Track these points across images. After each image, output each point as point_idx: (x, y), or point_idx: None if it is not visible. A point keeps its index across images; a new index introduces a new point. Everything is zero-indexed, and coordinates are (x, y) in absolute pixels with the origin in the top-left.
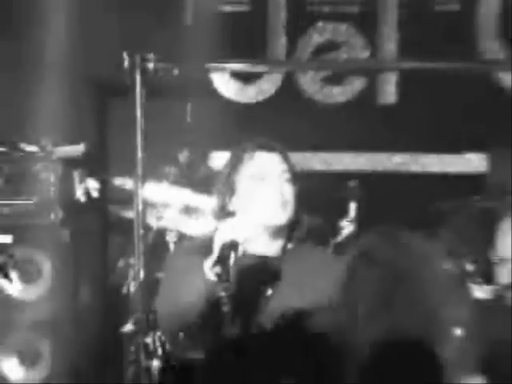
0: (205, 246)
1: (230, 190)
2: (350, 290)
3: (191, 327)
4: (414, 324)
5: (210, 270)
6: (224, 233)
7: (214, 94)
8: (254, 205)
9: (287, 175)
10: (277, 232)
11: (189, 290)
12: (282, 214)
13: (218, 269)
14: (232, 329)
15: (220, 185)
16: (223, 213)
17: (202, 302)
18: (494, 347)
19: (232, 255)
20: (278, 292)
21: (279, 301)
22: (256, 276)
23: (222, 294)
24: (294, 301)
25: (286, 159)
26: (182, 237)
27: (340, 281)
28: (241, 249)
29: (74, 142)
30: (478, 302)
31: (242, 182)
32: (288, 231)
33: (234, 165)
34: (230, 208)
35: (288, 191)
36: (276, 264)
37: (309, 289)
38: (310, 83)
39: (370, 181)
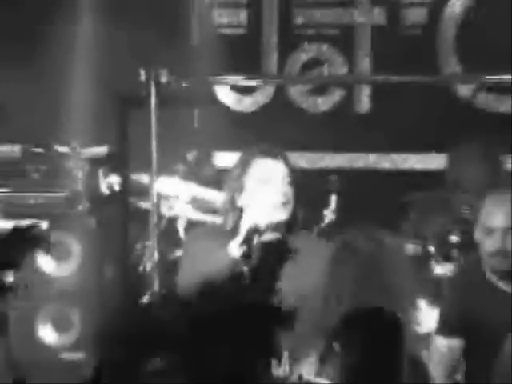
0: (218, 232)
1: (239, 188)
2: (335, 274)
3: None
4: (386, 300)
5: (236, 248)
6: (249, 220)
7: (216, 103)
8: (259, 203)
9: (288, 179)
10: (277, 227)
11: (214, 265)
12: (282, 213)
13: (244, 247)
14: (251, 297)
15: (231, 183)
16: (232, 206)
17: (225, 275)
18: (468, 314)
19: (255, 238)
20: (286, 268)
21: (287, 275)
22: (271, 256)
23: (245, 268)
24: (296, 277)
25: (288, 164)
26: (189, 224)
27: (327, 267)
28: (262, 234)
29: (98, 143)
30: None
31: (249, 183)
32: (287, 226)
33: (244, 167)
34: (239, 203)
35: (289, 193)
36: (286, 246)
37: (306, 268)
38: (297, 94)
39: (347, 176)
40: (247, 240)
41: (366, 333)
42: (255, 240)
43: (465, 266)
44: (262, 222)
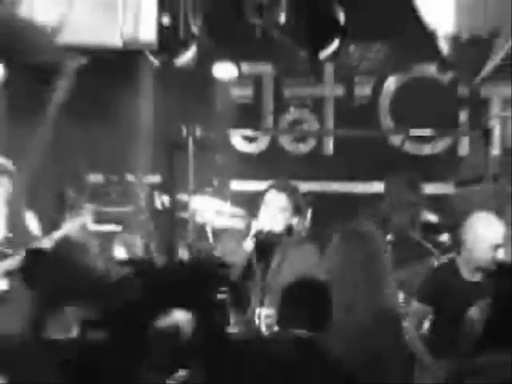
0: (239, 234)
1: (257, 207)
2: (338, 258)
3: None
4: (371, 277)
5: (249, 242)
6: (257, 225)
7: (231, 147)
8: (260, 218)
9: (283, 207)
10: (274, 233)
11: (239, 255)
12: (276, 225)
13: (253, 241)
14: (258, 273)
15: (257, 202)
16: (251, 217)
17: (244, 260)
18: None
19: (260, 237)
20: (281, 257)
21: (280, 263)
22: (268, 248)
23: (254, 255)
24: (288, 261)
25: (291, 195)
26: (214, 228)
27: (328, 254)
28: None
29: (155, 174)
30: None
31: (261, 204)
32: (283, 232)
33: (263, 194)
34: (255, 216)
35: (280, 217)
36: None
37: (294, 256)
38: (286, 142)
39: (319, 197)
40: (255, 237)
41: (304, 297)
42: (260, 238)
43: (442, 262)
44: (264, 228)
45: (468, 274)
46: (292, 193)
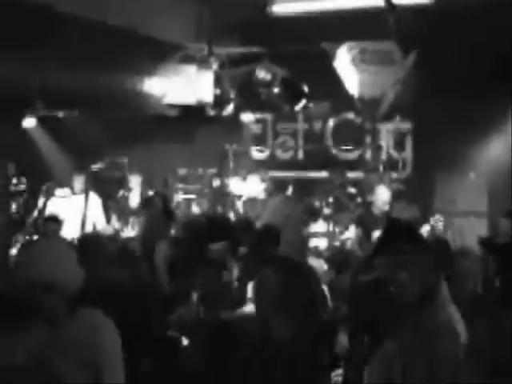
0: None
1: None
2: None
3: None
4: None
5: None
6: (249, 192)
7: (250, 155)
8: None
9: (259, 182)
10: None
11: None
12: (256, 192)
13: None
14: None
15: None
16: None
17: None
18: None
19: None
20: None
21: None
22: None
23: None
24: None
25: (261, 177)
26: (239, 196)
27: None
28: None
29: (212, 168)
30: None
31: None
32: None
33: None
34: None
35: (257, 186)
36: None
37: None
38: (278, 152)
39: (294, 180)
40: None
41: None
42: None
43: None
44: (252, 194)
45: (376, 212)
46: (262, 175)
